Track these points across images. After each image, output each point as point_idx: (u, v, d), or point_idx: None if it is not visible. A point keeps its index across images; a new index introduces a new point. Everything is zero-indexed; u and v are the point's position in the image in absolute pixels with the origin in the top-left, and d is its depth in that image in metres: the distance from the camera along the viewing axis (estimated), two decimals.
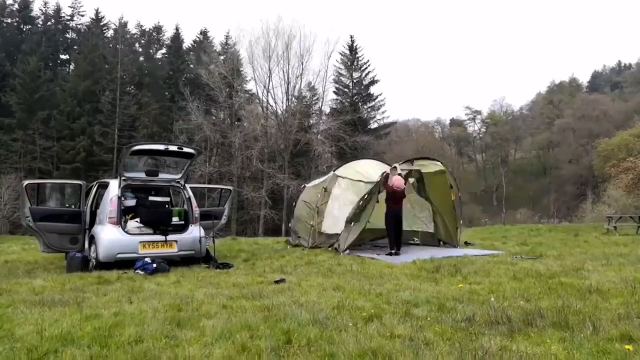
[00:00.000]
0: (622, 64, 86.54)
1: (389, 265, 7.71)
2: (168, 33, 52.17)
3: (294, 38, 36.65)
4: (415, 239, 11.50)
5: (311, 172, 34.65)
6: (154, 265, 7.47)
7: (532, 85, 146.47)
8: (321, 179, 12.66)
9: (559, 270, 6.67)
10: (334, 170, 12.29)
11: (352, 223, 9.57)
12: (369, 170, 11.02)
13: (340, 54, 43.68)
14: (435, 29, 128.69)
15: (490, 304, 4.51)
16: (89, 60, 41.77)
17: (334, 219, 10.80)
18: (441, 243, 10.97)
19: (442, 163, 10.91)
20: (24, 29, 49.59)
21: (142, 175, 8.96)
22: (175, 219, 8.84)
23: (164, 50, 52.05)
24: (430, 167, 10.88)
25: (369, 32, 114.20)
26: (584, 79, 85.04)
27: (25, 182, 8.65)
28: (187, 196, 9.10)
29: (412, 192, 11.30)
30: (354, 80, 44.17)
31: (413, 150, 44.89)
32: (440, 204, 10.86)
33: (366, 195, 9.71)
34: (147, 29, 52.80)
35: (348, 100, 43.49)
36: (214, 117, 40.03)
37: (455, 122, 78.13)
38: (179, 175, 9.24)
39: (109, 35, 50.36)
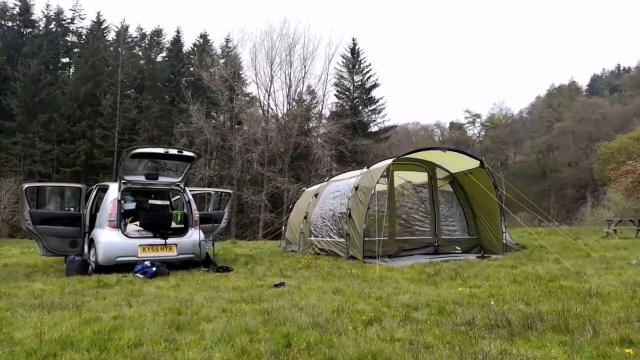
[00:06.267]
0: (622, 68, 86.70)
1: (388, 269, 7.71)
2: (168, 36, 52.39)
3: (298, 41, 36.69)
4: (457, 247, 10.37)
5: (311, 176, 34.65)
6: (154, 268, 7.48)
7: (532, 89, 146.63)
8: (318, 185, 12.68)
9: (558, 273, 6.68)
10: (329, 177, 12.34)
11: (359, 228, 9.06)
12: (358, 171, 10.71)
13: (342, 56, 43.74)
14: (435, 32, 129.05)
15: (490, 308, 4.51)
16: (90, 64, 41.84)
17: (320, 223, 10.71)
18: (483, 251, 10.09)
19: (476, 158, 10.11)
20: (25, 32, 49.70)
21: (142, 178, 8.97)
22: (174, 223, 8.84)
23: (164, 54, 52.16)
24: (461, 164, 10.19)
25: (368, 34, 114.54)
26: (584, 82, 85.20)
27: (25, 185, 8.65)
28: (186, 199, 9.11)
29: (453, 197, 10.62)
30: (355, 84, 44.17)
31: None
32: (480, 206, 10.11)
33: (355, 192, 9.32)
34: (148, 32, 52.96)
35: (349, 103, 43.49)
36: (214, 120, 40.09)
37: (454, 126, 78.29)
38: (179, 179, 9.25)
39: (110, 39, 50.49)
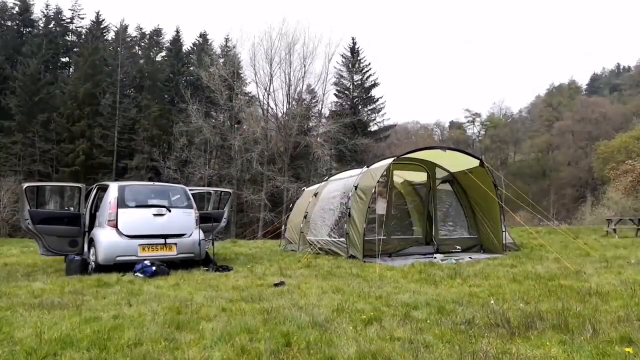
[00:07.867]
0: (622, 67, 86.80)
1: (388, 268, 7.71)
2: (168, 36, 52.34)
3: (297, 41, 36.60)
4: (457, 247, 10.29)
5: (311, 175, 34.64)
6: (154, 268, 7.48)
7: (532, 88, 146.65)
8: (318, 185, 12.68)
9: (558, 272, 6.68)
10: (329, 177, 12.32)
11: (357, 225, 9.11)
12: (358, 171, 10.71)
13: (342, 56, 43.70)
14: (435, 32, 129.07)
15: (490, 307, 4.51)
16: (89, 63, 41.78)
17: (320, 223, 10.71)
18: (483, 250, 10.16)
19: (476, 157, 10.07)
20: (25, 32, 49.65)
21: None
22: None
23: (164, 53, 52.08)
24: (461, 164, 10.17)
25: (368, 34, 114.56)
26: (584, 82, 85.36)
27: (25, 185, 8.64)
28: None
29: (453, 196, 10.60)
30: (355, 83, 44.13)
31: None
32: (480, 206, 10.10)
33: (353, 192, 9.33)
34: (148, 32, 52.92)
35: (349, 103, 43.47)
36: (214, 120, 40.01)
37: (454, 125, 78.37)
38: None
39: (109, 39, 50.45)
